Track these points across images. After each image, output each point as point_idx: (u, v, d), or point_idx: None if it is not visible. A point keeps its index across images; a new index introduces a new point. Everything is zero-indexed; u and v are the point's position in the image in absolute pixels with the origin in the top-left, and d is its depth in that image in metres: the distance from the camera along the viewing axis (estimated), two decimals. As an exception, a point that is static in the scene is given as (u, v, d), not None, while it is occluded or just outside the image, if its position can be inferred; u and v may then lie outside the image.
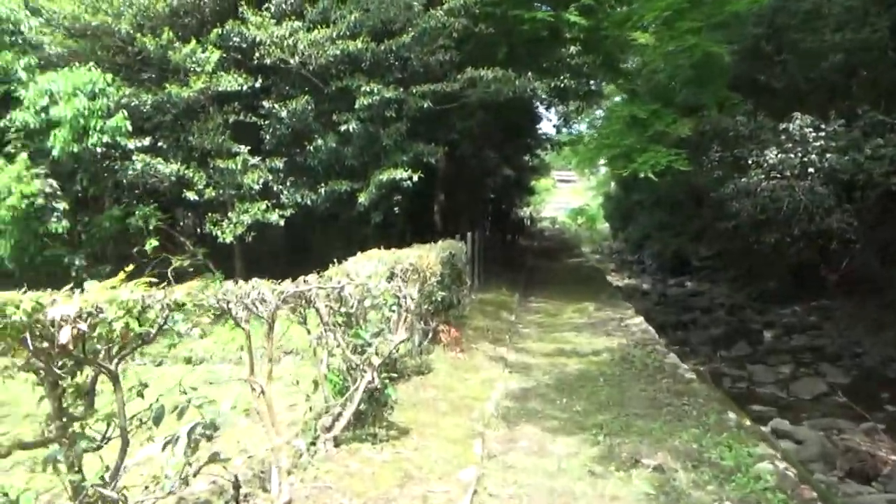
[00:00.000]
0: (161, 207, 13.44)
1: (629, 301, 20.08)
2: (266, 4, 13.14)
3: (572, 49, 13.89)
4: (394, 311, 5.75)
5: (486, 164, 26.72)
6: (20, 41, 12.70)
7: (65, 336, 2.79)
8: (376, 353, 5.51)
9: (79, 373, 3.29)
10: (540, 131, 33.89)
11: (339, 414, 5.45)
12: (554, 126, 34.62)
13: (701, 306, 23.77)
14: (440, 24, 13.08)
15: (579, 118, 38.38)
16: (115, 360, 3.30)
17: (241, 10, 12.75)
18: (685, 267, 31.02)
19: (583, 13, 13.65)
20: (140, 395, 3.83)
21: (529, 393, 8.40)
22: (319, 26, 12.69)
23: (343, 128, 13.09)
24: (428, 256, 7.93)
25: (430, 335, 9.43)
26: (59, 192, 12.25)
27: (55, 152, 11.81)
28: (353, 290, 5.73)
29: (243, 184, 13.04)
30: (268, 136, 13.69)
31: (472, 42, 14.12)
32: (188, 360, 11.22)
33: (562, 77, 13.96)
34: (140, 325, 3.30)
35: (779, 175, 18.28)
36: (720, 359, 17.27)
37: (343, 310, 5.72)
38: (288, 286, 4.73)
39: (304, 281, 5.41)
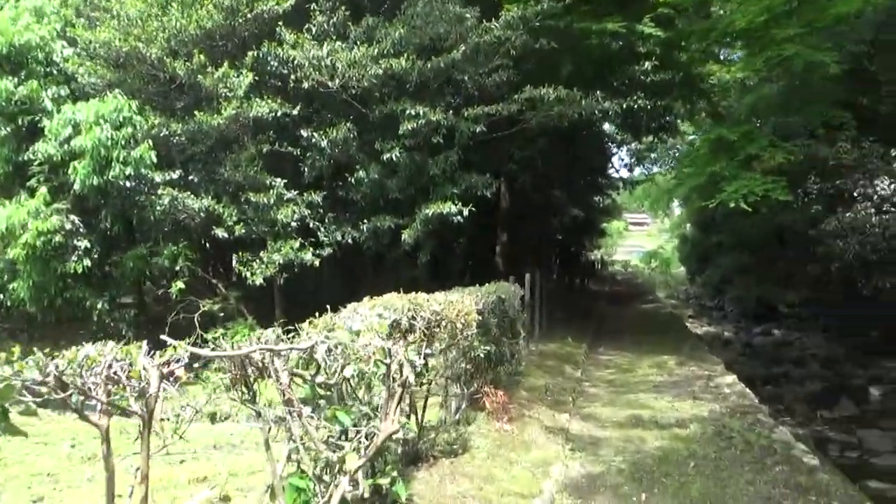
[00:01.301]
0: (193, 247, 12.12)
1: (711, 351, 17.47)
2: (307, 25, 11.82)
3: (647, 65, 11.87)
4: (385, 385, 3.82)
5: (553, 202, 24.75)
6: (54, 72, 11.84)
7: None
8: (358, 451, 3.59)
9: None
10: (611, 170, 31.84)
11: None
12: (625, 165, 32.45)
13: (792, 358, 20.93)
14: (495, 39, 11.38)
15: (652, 156, 36.18)
16: None
17: (278, 31, 11.45)
18: (771, 314, 28.24)
19: (659, 24, 11.65)
20: None
21: (596, 483, 6.25)
22: (362, 45, 11.23)
23: (386, 156, 11.47)
24: (462, 302, 6.00)
25: (470, 401, 7.41)
26: (81, 230, 11.11)
27: (76, 186, 10.71)
28: (336, 352, 3.88)
29: (277, 220, 11.55)
30: (307, 169, 12.23)
31: (533, 60, 12.34)
32: (213, 417, 9.61)
33: (635, 97, 11.93)
34: None
35: (894, 208, 15.50)
36: (821, 420, 14.79)
37: (320, 379, 3.85)
38: (192, 350, 2.90)
39: (258, 339, 3.61)
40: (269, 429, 3.73)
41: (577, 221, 29.38)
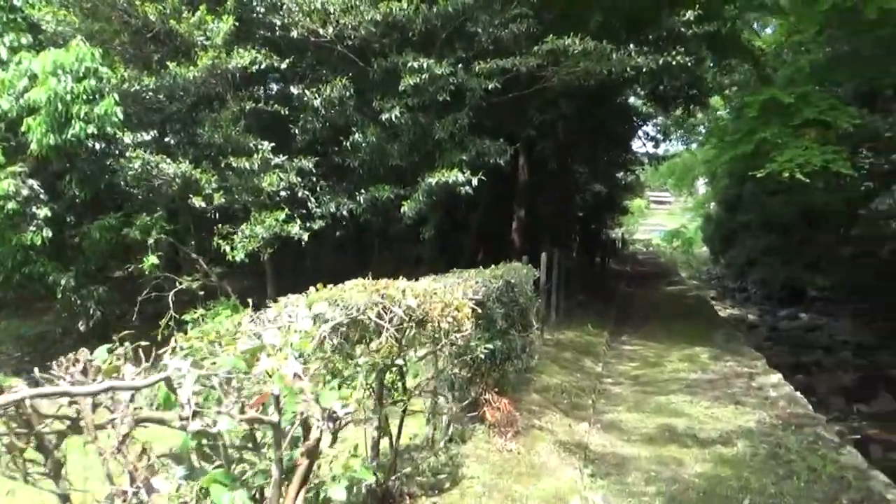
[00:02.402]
0: (169, 217, 10.66)
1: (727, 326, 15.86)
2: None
3: (689, 15, 10.02)
4: (275, 455, 2.26)
5: (575, 177, 22.98)
6: (18, 19, 10.34)
7: None
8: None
9: None
10: (636, 145, 29.87)
11: None
12: (651, 139, 30.24)
13: (821, 344, 19.46)
14: (512, -19, 9.62)
15: (678, 132, 34.22)
16: None
17: (265, -29, 9.81)
18: (797, 297, 26.67)
19: (703, -34, 9.83)
20: None
21: (626, 533, 4.68)
22: (358, -12, 9.54)
23: (385, 116, 9.83)
24: (451, 292, 4.40)
25: (467, 411, 5.88)
26: (41, 196, 9.68)
27: (33, 146, 9.23)
28: (221, 384, 2.37)
29: (262, 188, 10.01)
30: (298, 132, 10.66)
31: (556, 8, 10.55)
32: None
33: (673, 53, 10.10)
34: None
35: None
36: (858, 415, 13.35)
37: (196, 426, 2.33)
38: None
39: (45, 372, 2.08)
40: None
41: (600, 198, 27.57)
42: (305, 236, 10.03)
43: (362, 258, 15.86)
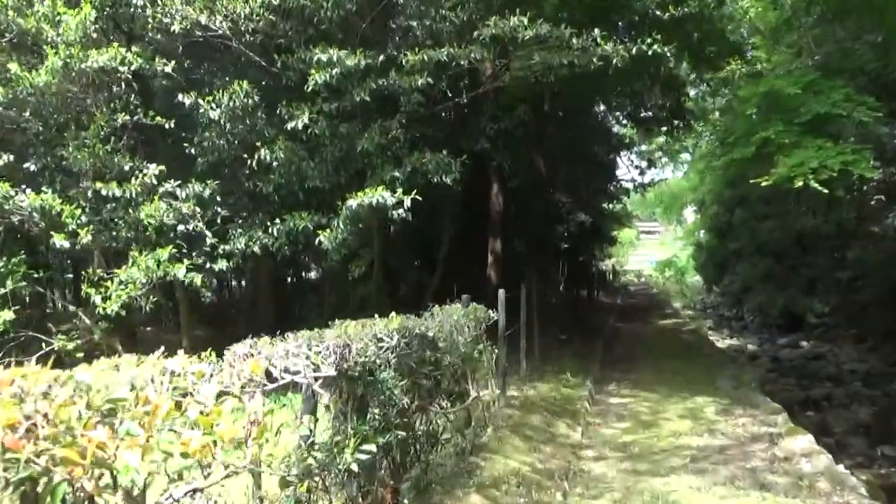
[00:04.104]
0: (38, 262, 8.34)
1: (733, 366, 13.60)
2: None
3: (664, -6, 7.96)
4: None
5: (557, 207, 20.82)
6: None
7: None
8: None
9: None
10: (620, 176, 28.14)
11: None
12: (636, 167, 28.38)
13: (828, 374, 17.53)
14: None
15: (663, 160, 32.81)
16: None
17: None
18: (796, 324, 24.98)
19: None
20: None
21: None
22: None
23: (292, 125, 7.60)
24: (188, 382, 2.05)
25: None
26: None
27: None
28: None
29: (145, 221, 7.70)
30: (196, 151, 8.42)
31: (503, -8, 8.41)
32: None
33: (649, 41, 7.97)
34: None
35: None
36: (884, 460, 10.93)
37: None
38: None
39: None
40: None
41: (585, 228, 25.51)
42: (198, 280, 7.66)
43: (311, 302, 13.53)
